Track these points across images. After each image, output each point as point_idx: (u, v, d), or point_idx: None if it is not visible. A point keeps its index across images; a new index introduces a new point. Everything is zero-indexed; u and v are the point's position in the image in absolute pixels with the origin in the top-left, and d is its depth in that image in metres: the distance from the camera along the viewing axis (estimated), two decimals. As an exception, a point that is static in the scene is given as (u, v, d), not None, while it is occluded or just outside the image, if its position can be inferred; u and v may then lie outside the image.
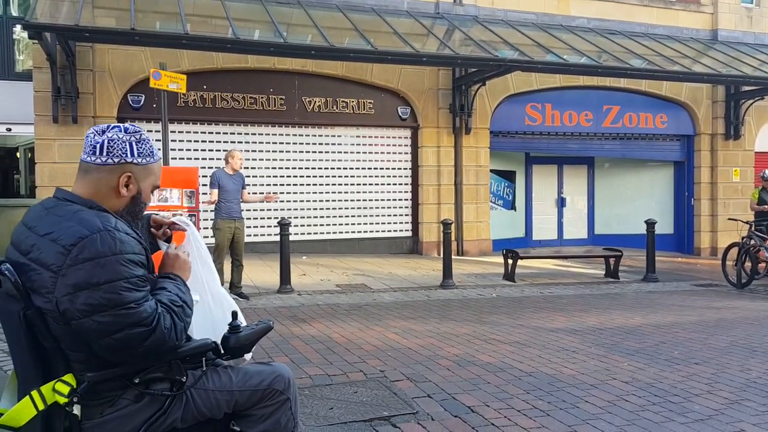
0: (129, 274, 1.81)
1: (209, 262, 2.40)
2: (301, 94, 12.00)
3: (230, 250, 7.85)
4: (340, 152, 12.45)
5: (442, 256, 9.58)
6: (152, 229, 2.27)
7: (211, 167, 10.76)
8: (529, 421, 3.72)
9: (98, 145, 1.95)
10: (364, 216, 12.65)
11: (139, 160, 1.99)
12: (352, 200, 12.54)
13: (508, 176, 14.57)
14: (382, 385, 4.36)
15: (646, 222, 10.41)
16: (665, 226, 14.75)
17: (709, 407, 3.99)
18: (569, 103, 13.76)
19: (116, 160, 1.95)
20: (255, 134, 11.90)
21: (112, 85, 10.74)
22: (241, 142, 11.62)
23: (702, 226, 14.81)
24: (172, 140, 10.41)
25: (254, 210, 11.48)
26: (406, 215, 13.00)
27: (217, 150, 11.44)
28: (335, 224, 12.45)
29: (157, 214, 2.35)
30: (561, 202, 15.25)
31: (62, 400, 1.81)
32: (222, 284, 7.80)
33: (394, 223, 12.93)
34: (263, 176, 11.86)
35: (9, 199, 12.53)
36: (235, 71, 11.52)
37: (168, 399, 1.95)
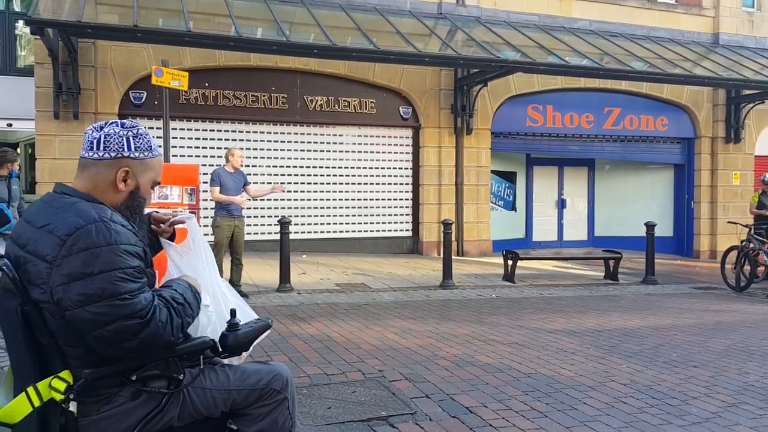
0: (124, 264, 1.80)
1: (210, 257, 2.38)
2: (303, 93, 12.00)
3: (230, 248, 7.85)
4: (342, 151, 12.45)
5: (442, 256, 9.58)
6: (153, 227, 2.26)
7: (212, 165, 10.77)
8: (526, 423, 3.72)
9: (95, 141, 1.97)
10: (365, 215, 12.65)
11: (137, 154, 1.99)
12: (353, 199, 12.54)
13: (509, 177, 14.57)
14: (380, 384, 4.36)
15: (645, 224, 10.41)
16: (665, 229, 14.76)
17: (706, 410, 3.99)
18: (570, 104, 13.76)
19: (113, 154, 1.95)
20: (256, 132, 11.90)
21: (113, 82, 10.74)
22: (243, 140, 11.62)
23: (701, 229, 14.81)
24: (173, 137, 10.41)
25: (254, 208, 11.48)
26: (406, 215, 13.00)
27: (218, 148, 11.43)
28: (336, 223, 12.45)
29: (157, 212, 2.35)
30: (561, 204, 15.25)
31: (58, 396, 1.80)
32: (221, 282, 7.67)
33: (395, 222, 12.94)
34: (264, 174, 11.85)
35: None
36: (238, 69, 11.52)
37: (165, 397, 1.94)
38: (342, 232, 12.48)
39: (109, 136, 1.97)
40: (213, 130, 11.61)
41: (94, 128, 2.01)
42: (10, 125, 13.05)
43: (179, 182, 7.23)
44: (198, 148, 11.46)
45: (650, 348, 5.67)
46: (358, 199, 12.56)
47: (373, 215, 12.71)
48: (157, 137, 9.16)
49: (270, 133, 11.98)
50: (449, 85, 12.73)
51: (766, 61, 14.20)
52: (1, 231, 6.37)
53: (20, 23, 12.95)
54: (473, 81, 12.35)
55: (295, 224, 11.32)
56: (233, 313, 2.16)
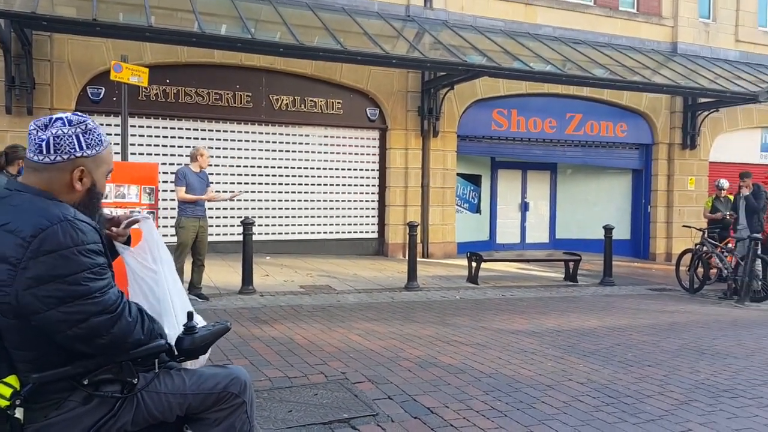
0: (92, 263, 1.80)
1: (167, 258, 2.34)
2: (268, 92, 11.90)
3: (192, 249, 7.73)
4: (308, 152, 12.38)
5: (407, 258, 9.61)
6: (108, 231, 2.20)
7: (172, 164, 10.62)
8: (487, 422, 3.76)
9: (44, 144, 1.88)
10: (330, 217, 12.61)
11: (89, 152, 1.93)
12: (318, 200, 12.48)
13: (474, 180, 14.70)
14: (342, 387, 4.35)
15: (604, 228, 10.64)
16: (623, 232, 15.09)
17: (660, 408, 4.10)
18: (534, 109, 13.97)
19: (65, 156, 1.89)
20: (219, 131, 11.75)
21: (71, 77, 10.47)
22: (205, 139, 11.46)
23: (658, 232, 15.20)
24: (132, 135, 10.23)
25: (217, 209, 11.34)
26: (372, 217, 13.00)
27: (179, 146, 11.26)
28: (300, 224, 12.37)
29: (111, 214, 2.30)
30: (524, 207, 15.46)
31: (3, 403, 1.76)
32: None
33: (360, 224, 12.93)
34: (227, 174, 11.71)
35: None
36: (200, 66, 11.36)
37: (118, 401, 1.91)
38: (307, 233, 12.41)
39: (59, 138, 1.88)
40: (174, 128, 11.42)
41: (38, 127, 1.90)
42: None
43: (137, 181, 7.08)
44: (158, 146, 11.26)
45: (607, 348, 5.79)
46: (323, 201, 12.51)
47: (338, 217, 12.68)
48: (116, 134, 9.00)
49: (234, 132, 11.85)
50: (416, 87, 12.79)
51: (720, 71, 14.65)
52: None
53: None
54: (440, 84, 12.43)
55: (259, 225, 11.22)
56: (190, 315, 2.12)
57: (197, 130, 11.56)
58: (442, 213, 13.12)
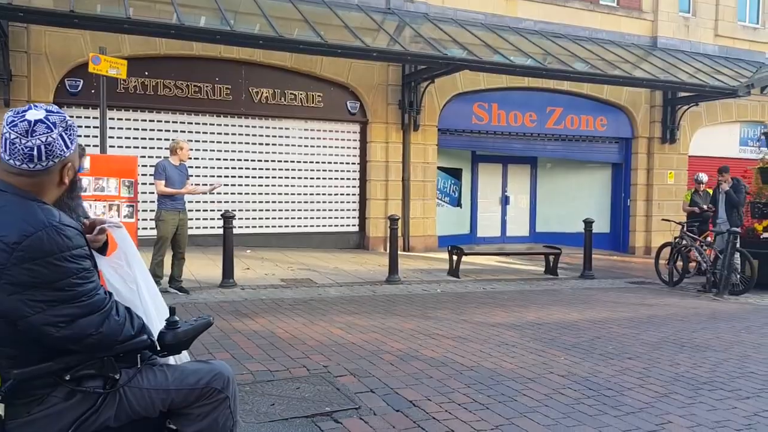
0: (78, 268, 1.80)
1: (142, 267, 2.34)
2: (248, 84, 11.81)
3: (172, 242, 7.66)
4: (288, 145, 12.31)
5: (388, 251, 9.62)
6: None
7: (152, 157, 10.50)
8: (468, 415, 3.78)
9: (35, 152, 1.82)
10: (311, 210, 12.56)
11: (72, 146, 1.94)
12: (299, 194, 12.43)
13: (455, 174, 14.75)
14: (324, 380, 4.34)
15: (584, 221, 10.73)
16: (602, 225, 15.25)
17: (640, 400, 4.15)
18: (515, 103, 14.03)
19: (57, 159, 1.88)
20: (198, 124, 11.63)
21: (48, 69, 10.29)
22: (184, 132, 11.35)
23: (637, 226, 15.38)
24: (110, 128, 10.10)
25: (197, 202, 11.23)
26: (353, 210, 12.98)
27: (158, 139, 11.14)
28: (281, 218, 12.32)
29: (87, 217, 2.29)
30: (505, 200, 15.55)
31: (-15, 399, 1.74)
32: (162, 278, 7.53)
33: (342, 218, 12.90)
34: (207, 167, 11.62)
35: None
36: (179, 58, 11.23)
37: (100, 397, 1.90)
38: (288, 227, 12.36)
39: (50, 145, 1.84)
40: (153, 121, 11.29)
41: (20, 134, 1.81)
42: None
43: (117, 174, 7.01)
44: (137, 139, 11.12)
45: (587, 340, 5.85)
46: (304, 194, 12.47)
47: (319, 210, 12.64)
48: (94, 127, 8.91)
49: (213, 125, 11.74)
50: (397, 80, 12.77)
51: (700, 65, 14.83)
52: None
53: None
54: (421, 77, 12.43)
55: (239, 218, 11.15)
56: (172, 311, 2.13)
57: (176, 122, 11.44)
58: (422, 206, 13.14)
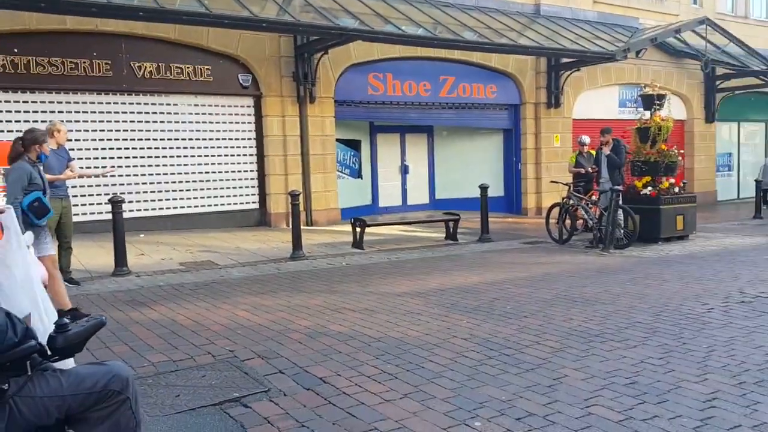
0: None
1: (27, 253, 2.19)
2: (129, 59, 11.13)
3: (57, 232, 7.18)
4: (177, 122, 11.77)
5: (290, 227, 9.51)
6: None
7: (28, 141, 9.71)
8: (378, 386, 3.85)
9: None
10: (208, 189, 12.15)
11: None
12: (192, 173, 11.96)
13: (354, 145, 14.74)
14: (231, 365, 4.27)
15: (479, 186, 11.09)
16: (497, 190, 15.83)
17: (537, 356, 4.39)
18: (409, 73, 14.14)
19: None
20: (78, 103, 10.86)
21: None
22: (62, 112, 10.57)
23: (528, 188, 16.10)
24: (-23, 111, 9.23)
25: (81, 186, 10.56)
26: (252, 187, 12.69)
27: (34, 121, 10.26)
28: (175, 198, 11.83)
29: None
30: (404, 170, 15.75)
31: None
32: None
33: (240, 195, 12.58)
34: (90, 149, 10.91)
35: None
36: (52, 33, 10.38)
37: (-13, 411, 1.76)
38: (183, 207, 11.90)
39: None
40: (27, 102, 10.42)
41: None
42: None
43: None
44: (9, 122, 10.24)
45: (487, 303, 6.10)
46: (199, 173, 12.02)
47: (216, 189, 12.24)
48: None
49: (93, 103, 11.00)
50: (289, 52, 12.48)
51: (581, 31, 15.55)
52: (39, 222, 5.34)
53: None
54: (314, 49, 12.22)
55: (130, 202, 10.61)
56: (61, 313, 2.01)
57: (53, 102, 10.62)
58: (323, 180, 13.07)
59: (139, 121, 11.40)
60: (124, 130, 11.26)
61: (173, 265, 8.45)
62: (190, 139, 11.90)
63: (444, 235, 11.22)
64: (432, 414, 3.43)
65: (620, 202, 10.04)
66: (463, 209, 12.77)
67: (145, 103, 11.44)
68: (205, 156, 12.08)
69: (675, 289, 6.65)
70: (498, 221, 13.70)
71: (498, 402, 3.58)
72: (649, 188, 10.50)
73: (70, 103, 10.77)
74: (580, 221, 10.88)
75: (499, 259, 9.18)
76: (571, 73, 15.78)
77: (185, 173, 11.88)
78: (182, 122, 11.80)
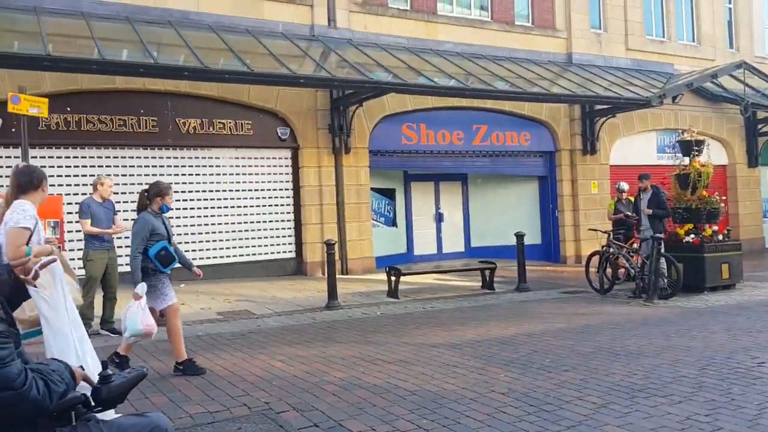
0: None
1: (70, 302, 2.32)
2: (174, 116, 11.58)
3: (102, 282, 7.40)
4: (219, 174, 12.12)
5: (326, 276, 9.58)
6: (20, 276, 2.12)
7: (78, 194, 10.13)
8: (414, 442, 3.80)
9: None
10: (246, 239, 12.37)
11: None
12: (232, 223, 12.23)
13: (389, 194, 14.89)
14: (267, 417, 4.28)
15: (515, 234, 11.01)
16: (533, 237, 15.68)
17: (579, 413, 4.28)
18: (442, 123, 14.33)
19: None
20: (125, 158, 11.30)
21: (-39, 108, 9.77)
22: (110, 167, 10.99)
23: (566, 235, 15.90)
24: (30, 167, 9.62)
25: (126, 237, 10.83)
26: (289, 236, 12.87)
27: (83, 176, 10.74)
28: (215, 248, 12.06)
29: (20, 260, 2.22)
30: (439, 218, 15.79)
31: None
32: (92, 320, 7.25)
33: (277, 244, 12.76)
34: (136, 201, 11.24)
35: None
36: (102, 93, 10.91)
37: (35, 461, 1.82)
38: (222, 257, 12.12)
39: None
40: (77, 158, 10.89)
41: None
42: None
43: (41, 215, 6.69)
44: (61, 176, 10.68)
45: (525, 355, 5.99)
46: (237, 223, 12.27)
47: (254, 239, 12.46)
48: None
49: (140, 158, 11.42)
50: (326, 105, 12.83)
51: (613, 78, 15.60)
52: (165, 270, 5.67)
53: None
54: (349, 101, 12.54)
55: (172, 252, 10.84)
56: (104, 365, 2.09)
57: (101, 158, 11.07)
58: (358, 228, 13.18)
59: (182, 174, 11.77)
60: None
61: (212, 314, 8.57)
62: (231, 191, 12.21)
63: (480, 284, 11.13)
64: (469, 471, 3.36)
65: (662, 250, 9.79)
66: (499, 257, 12.69)
67: (188, 157, 11.83)
68: (245, 207, 12.36)
69: (722, 342, 6.43)
70: (535, 269, 13.53)
71: (536, 459, 3.49)
72: (692, 236, 10.25)
73: (117, 158, 11.21)
74: (622, 270, 10.61)
75: (537, 309, 9.03)
76: (606, 120, 15.75)
77: (226, 224, 12.14)
78: (223, 174, 12.14)
